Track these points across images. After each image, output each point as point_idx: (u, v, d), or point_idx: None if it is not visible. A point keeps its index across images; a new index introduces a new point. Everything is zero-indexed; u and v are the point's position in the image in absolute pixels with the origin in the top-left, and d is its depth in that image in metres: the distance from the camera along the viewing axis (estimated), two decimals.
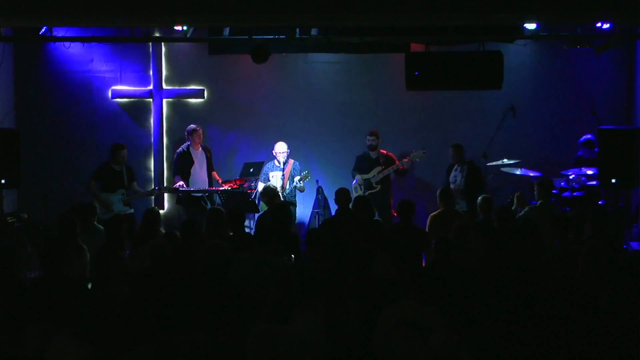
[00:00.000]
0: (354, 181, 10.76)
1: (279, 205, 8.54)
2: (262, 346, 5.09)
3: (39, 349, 5.07)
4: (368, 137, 10.76)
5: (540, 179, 9.20)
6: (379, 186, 10.63)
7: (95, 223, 8.34)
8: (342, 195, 8.83)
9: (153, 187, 11.32)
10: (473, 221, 8.47)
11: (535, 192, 8.94)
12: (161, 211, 11.15)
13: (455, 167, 10.32)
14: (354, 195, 9.90)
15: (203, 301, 5.90)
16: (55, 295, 5.78)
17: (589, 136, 10.31)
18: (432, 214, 8.76)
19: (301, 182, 10.44)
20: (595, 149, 10.08)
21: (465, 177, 10.10)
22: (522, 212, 8.66)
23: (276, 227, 7.51)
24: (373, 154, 10.77)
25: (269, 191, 9.55)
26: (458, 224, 7.33)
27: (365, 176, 10.71)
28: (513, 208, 8.99)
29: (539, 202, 8.77)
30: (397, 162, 10.71)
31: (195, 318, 5.85)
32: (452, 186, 10.11)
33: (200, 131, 10.89)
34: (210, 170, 10.96)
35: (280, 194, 10.23)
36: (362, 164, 10.82)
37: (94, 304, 5.33)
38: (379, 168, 10.68)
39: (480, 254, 6.73)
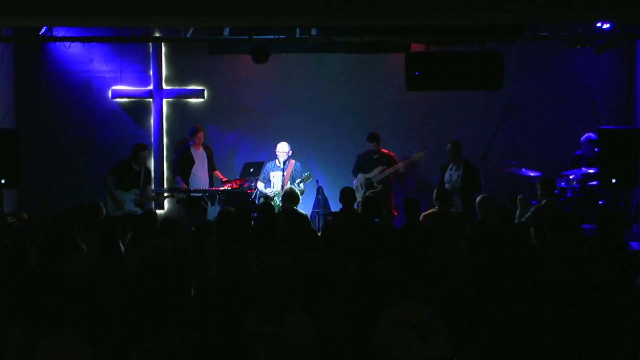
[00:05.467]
0: (355, 180, 10.75)
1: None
2: (254, 347, 5.09)
3: (22, 350, 5.06)
4: (369, 144, 10.70)
5: (543, 179, 9.16)
6: (380, 186, 10.62)
7: None
8: (346, 194, 8.82)
9: (153, 187, 11.34)
10: (469, 221, 8.46)
11: (539, 192, 8.91)
12: (161, 211, 11.15)
13: (450, 166, 10.26)
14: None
15: (204, 300, 5.90)
16: (52, 294, 5.78)
17: (591, 135, 10.27)
18: (424, 214, 8.72)
19: (302, 184, 10.44)
20: (596, 149, 10.07)
21: (461, 177, 10.04)
22: (529, 214, 8.63)
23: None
24: (375, 155, 10.76)
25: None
26: (447, 226, 7.29)
27: (367, 175, 10.70)
28: (518, 212, 8.98)
29: (544, 201, 8.75)
30: (398, 163, 10.71)
31: (194, 317, 5.86)
32: (447, 185, 10.08)
33: (203, 131, 10.95)
34: (211, 169, 11.01)
35: (280, 194, 10.26)
36: (364, 163, 10.81)
37: (90, 304, 5.33)
38: (380, 168, 10.67)
39: (470, 256, 6.71)
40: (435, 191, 8.92)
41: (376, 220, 8.43)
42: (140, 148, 10.47)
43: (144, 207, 10.37)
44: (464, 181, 9.99)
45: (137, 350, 4.79)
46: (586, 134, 10.36)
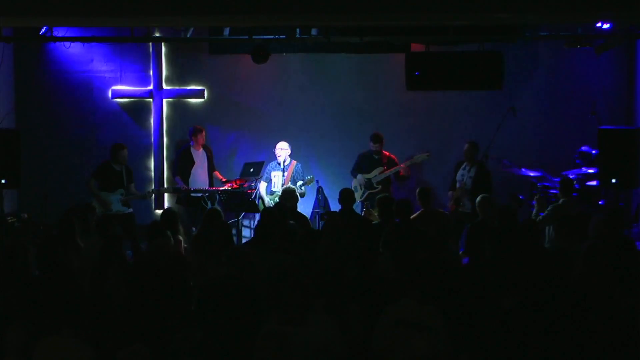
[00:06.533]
0: (352, 181, 10.72)
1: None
2: (274, 349, 5.06)
3: (21, 351, 5.06)
4: (372, 145, 10.66)
5: (563, 178, 9.25)
6: (380, 186, 10.61)
7: None
8: (345, 195, 8.81)
9: (153, 187, 11.35)
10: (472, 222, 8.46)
11: (559, 192, 9.02)
12: (160, 211, 11.14)
13: (464, 165, 10.19)
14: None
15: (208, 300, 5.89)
16: (52, 295, 5.79)
17: (586, 148, 10.32)
18: (412, 216, 8.65)
19: (303, 187, 10.42)
20: (594, 152, 10.10)
21: (473, 178, 9.97)
22: (546, 212, 8.70)
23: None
24: (376, 155, 10.75)
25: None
26: (441, 224, 7.31)
27: (367, 176, 10.69)
28: (534, 212, 9.01)
29: (561, 201, 8.82)
30: (398, 164, 10.69)
31: (197, 317, 5.86)
32: (458, 184, 10.06)
33: (204, 132, 10.96)
34: (211, 170, 11.01)
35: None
36: (364, 164, 10.79)
37: (90, 304, 5.33)
38: (380, 168, 10.66)
39: (459, 254, 6.73)
40: (417, 192, 8.96)
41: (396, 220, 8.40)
42: (119, 148, 10.39)
43: (130, 206, 10.35)
44: (474, 183, 9.91)
45: (122, 352, 4.78)
46: (582, 147, 10.39)
